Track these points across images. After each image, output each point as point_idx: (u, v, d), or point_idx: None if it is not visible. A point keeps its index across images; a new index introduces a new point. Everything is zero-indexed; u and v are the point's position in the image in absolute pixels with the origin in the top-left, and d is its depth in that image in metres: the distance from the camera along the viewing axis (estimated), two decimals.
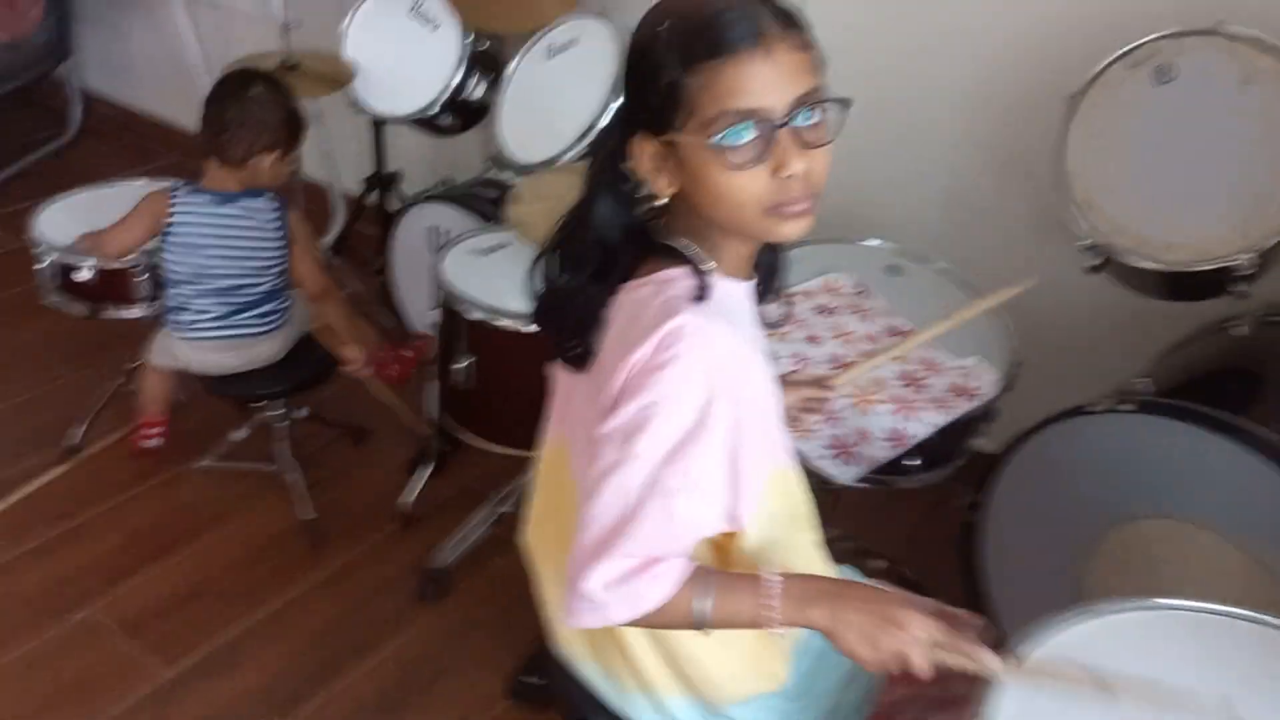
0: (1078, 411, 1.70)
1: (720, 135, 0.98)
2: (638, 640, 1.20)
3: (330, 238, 3.23)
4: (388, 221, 2.83)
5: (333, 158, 3.28)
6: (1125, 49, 1.78)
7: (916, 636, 1.03)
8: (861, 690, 1.30)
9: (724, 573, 1.09)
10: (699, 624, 1.06)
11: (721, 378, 1.02)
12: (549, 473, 1.29)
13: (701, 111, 0.98)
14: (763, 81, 0.98)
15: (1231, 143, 1.73)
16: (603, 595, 1.01)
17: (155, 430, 2.50)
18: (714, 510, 1.06)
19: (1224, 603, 1.20)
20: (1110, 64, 1.79)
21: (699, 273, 1.06)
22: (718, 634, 1.09)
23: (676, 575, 1.04)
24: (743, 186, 1.01)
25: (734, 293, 1.11)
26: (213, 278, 2.21)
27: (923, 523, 2.34)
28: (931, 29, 2.26)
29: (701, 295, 1.05)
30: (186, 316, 2.24)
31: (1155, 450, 1.66)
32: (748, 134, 0.98)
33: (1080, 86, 1.81)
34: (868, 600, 1.06)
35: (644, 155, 1.04)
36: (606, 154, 1.09)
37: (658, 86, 1.00)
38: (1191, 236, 1.73)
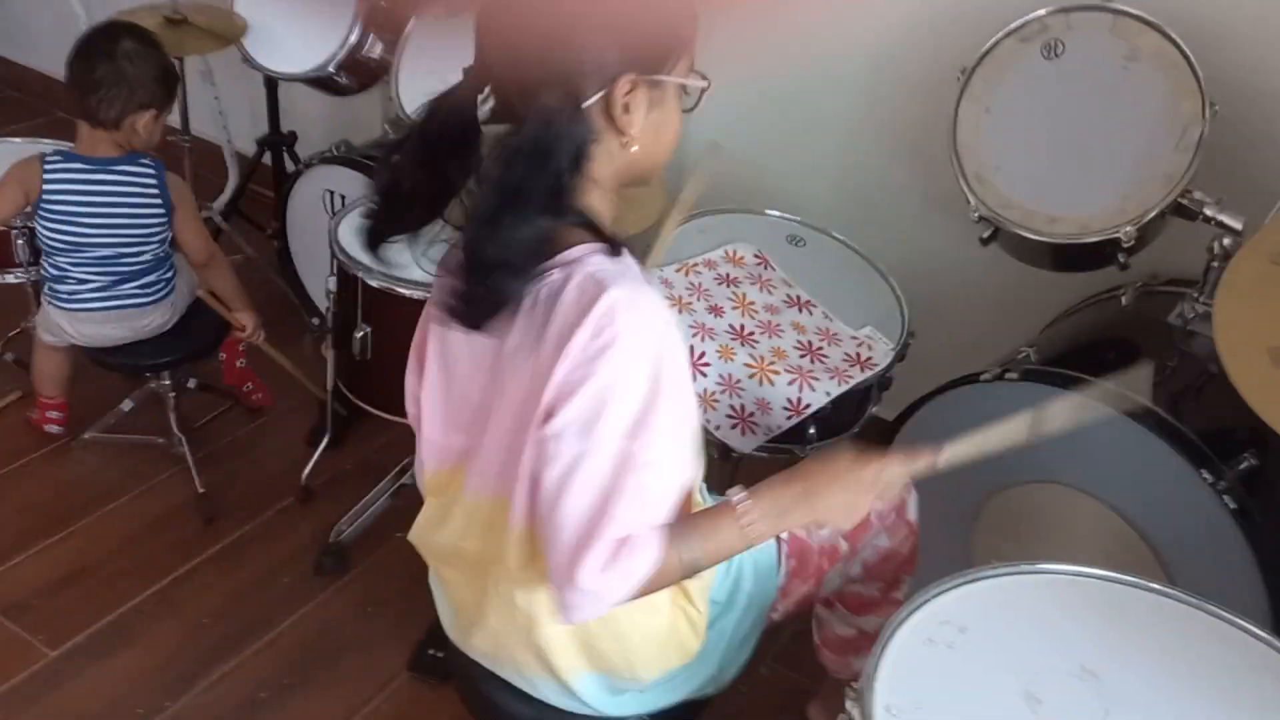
0: (966, 380, 1.74)
1: (698, 78, 1.09)
2: (548, 629, 1.20)
3: (223, 200, 3.13)
4: (283, 183, 2.75)
5: (225, 117, 3.16)
6: (1014, 24, 1.81)
7: (882, 482, 1.16)
8: (754, 619, 1.36)
9: (696, 516, 1.13)
10: (692, 572, 1.09)
11: (662, 342, 1.04)
12: (446, 494, 1.25)
13: (684, 57, 1.08)
14: None
15: (1115, 118, 1.77)
16: (598, 584, 1.02)
17: (55, 414, 2.40)
18: (684, 470, 1.10)
19: (1095, 562, 1.27)
20: (1000, 39, 1.82)
21: (608, 239, 1.06)
22: (634, 621, 1.16)
23: (658, 537, 1.05)
24: (680, 128, 1.12)
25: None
26: (91, 248, 2.11)
27: None
28: (827, 12, 2.27)
29: (617, 257, 1.06)
30: (66, 287, 2.14)
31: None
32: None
33: (971, 62, 1.83)
34: (834, 478, 1.14)
35: (622, 96, 1.03)
36: (569, 94, 1.01)
37: (674, 30, 1.06)
38: (1075, 209, 1.77)
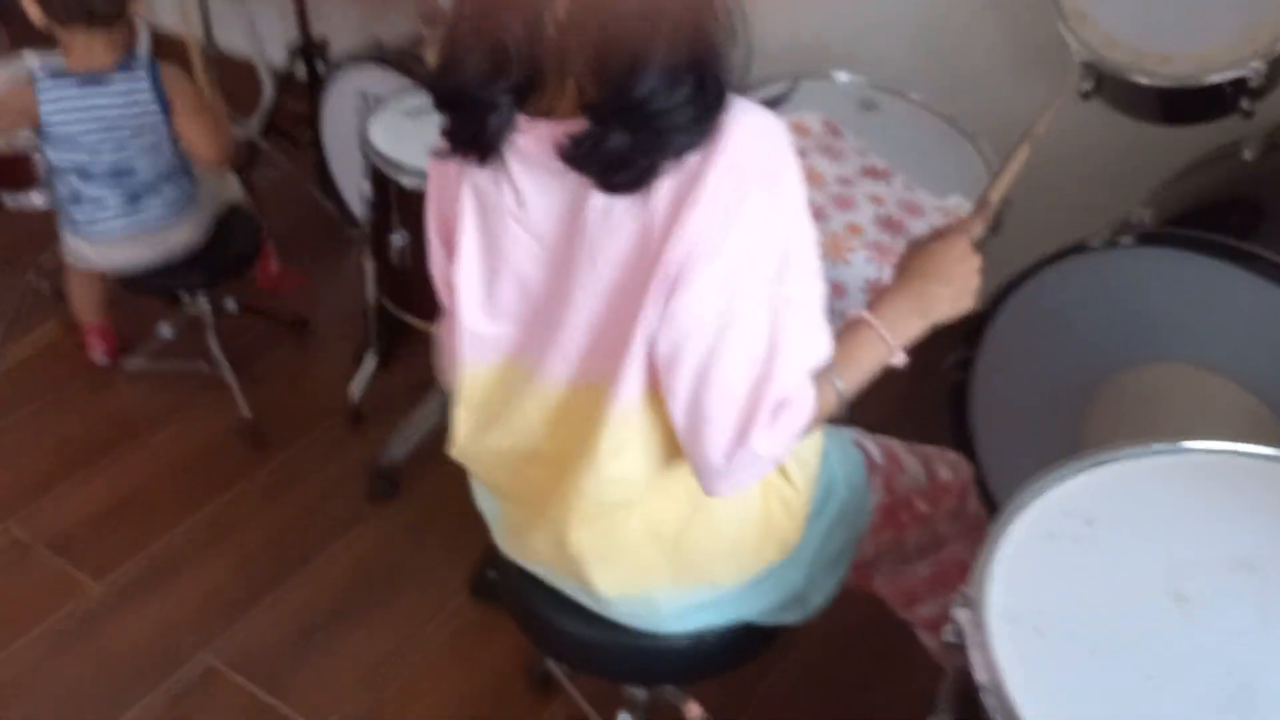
0: (1074, 250, 1.54)
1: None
2: (629, 527, 1.09)
3: (259, 117, 2.99)
4: (317, 94, 2.60)
5: (257, 30, 3.02)
6: None
7: (974, 261, 1.13)
8: (845, 537, 1.23)
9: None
10: (844, 401, 1.04)
11: (794, 163, 0.94)
12: (504, 390, 1.10)
13: None
14: None
15: None
16: (768, 445, 0.96)
17: (100, 342, 2.30)
18: (822, 299, 1.02)
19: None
20: None
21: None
22: (728, 513, 1.09)
23: (811, 378, 0.99)
24: None
25: None
26: (100, 165, 1.98)
27: (915, 382, 2.18)
28: None
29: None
30: (83, 213, 2.02)
31: (1157, 287, 1.52)
32: None
33: None
34: (936, 270, 1.11)
35: None
36: None
37: None
38: (1193, 46, 1.54)
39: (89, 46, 1.93)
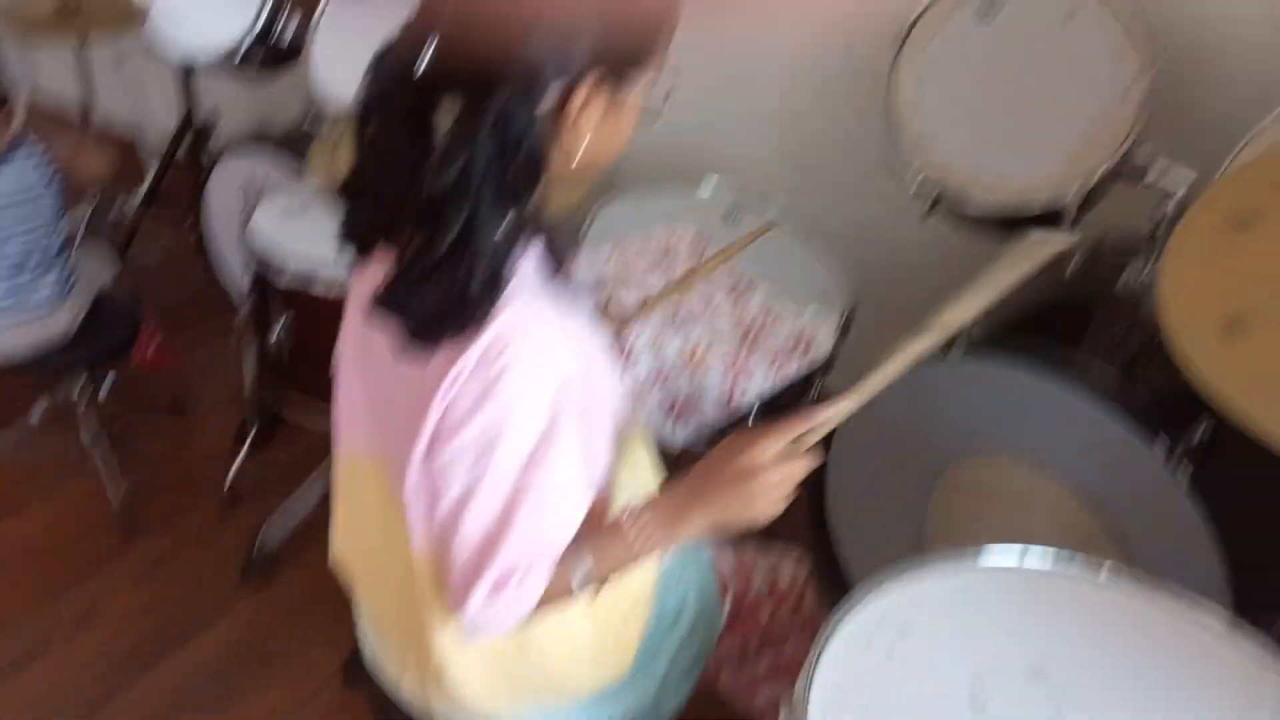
0: None
1: (659, 90, 1.00)
2: (469, 667, 1.13)
3: (141, 192, 2.99)
4: (200, 172, 2.62)
5: (140, 106, 3.03)
6: None
7: (774, 463, 1.02)
8: (699, 647, 1.29)
9: (590, 530, 1.04)
10: (586, 589, 1.02)
11: (560, 368, 0.96)
12: (357, 481, 1.17)
13: (656, 65, 1.00)
14: None
15: (1056, 77, 1.70)
16: (484, 615, 0.98)
17: None
18: (580, 500, 1.02)
19: (1050, 539, 1.20)
20: (933, 2, 1.74)
21: (555, 249, 1.01)
22: (551, 636, 1.09)
23: (547, 564, 1.00)
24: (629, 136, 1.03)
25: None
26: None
27: None
28: None
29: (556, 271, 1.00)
30: None
31: (985, 391, 1.65)
32: None
33: (906, 24, 1.75)
34: (716, 477, 1.03)
35: (579, 103, 0.94)
36: (525, 99, 0.91)
37: (640, 42, 0.97)
38: (1019, 173, 1.71)
39: None
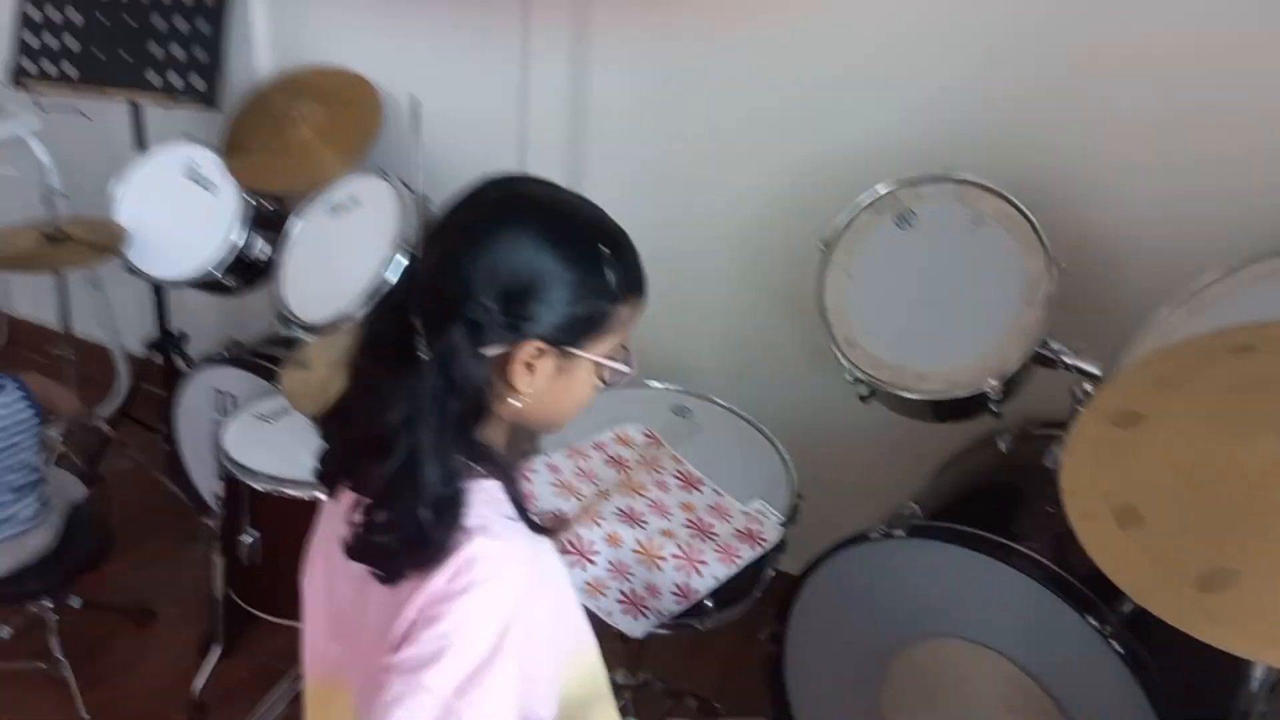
0: (856, 540, 1.76)
1: (621, 360, 1.08)
2: None
3: (113, 406, 3.08)
4: (173, 385, 2.72)
5: (115, 319, 3.15)
6: (870, 198, 1.91)
7: None
8: None
9: None
10: None
11: (519, 598, 0.99)
12: (324, 707, 1.18)
13: (616, 334, 1.06)
14: None
15: (971, 277, 1.86)
16: None
17: None
18: None
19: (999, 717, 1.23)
20: (858, 212, 1.92)
21: (500, 473, 1.04)
22: None
23: None
24: (589, 398, 1.09)
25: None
26: None
27: (734, 654, 2.35)
28: (699, 189, 2.40)
29: (516, 506, 1.04)
30: None
31: (930, 571, 1.72)
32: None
33: (832, 233, 1.93)
34: None
35: (526, 358, 1.00)
36: (471, 341, 0.97)
37: (595, 307, 1.02)
38: (941, 366, 1.84)
39: None
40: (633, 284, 1.06)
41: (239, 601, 2.11)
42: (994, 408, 1.84)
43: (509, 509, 1.04)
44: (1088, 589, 1.56)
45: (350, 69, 2.62)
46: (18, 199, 2.94)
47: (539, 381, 1.02)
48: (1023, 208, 1.81)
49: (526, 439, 1.15)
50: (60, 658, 2.22)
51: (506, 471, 1.04)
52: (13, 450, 2.07)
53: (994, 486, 2.01)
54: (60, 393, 2.22)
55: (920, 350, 1.87)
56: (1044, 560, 1.62)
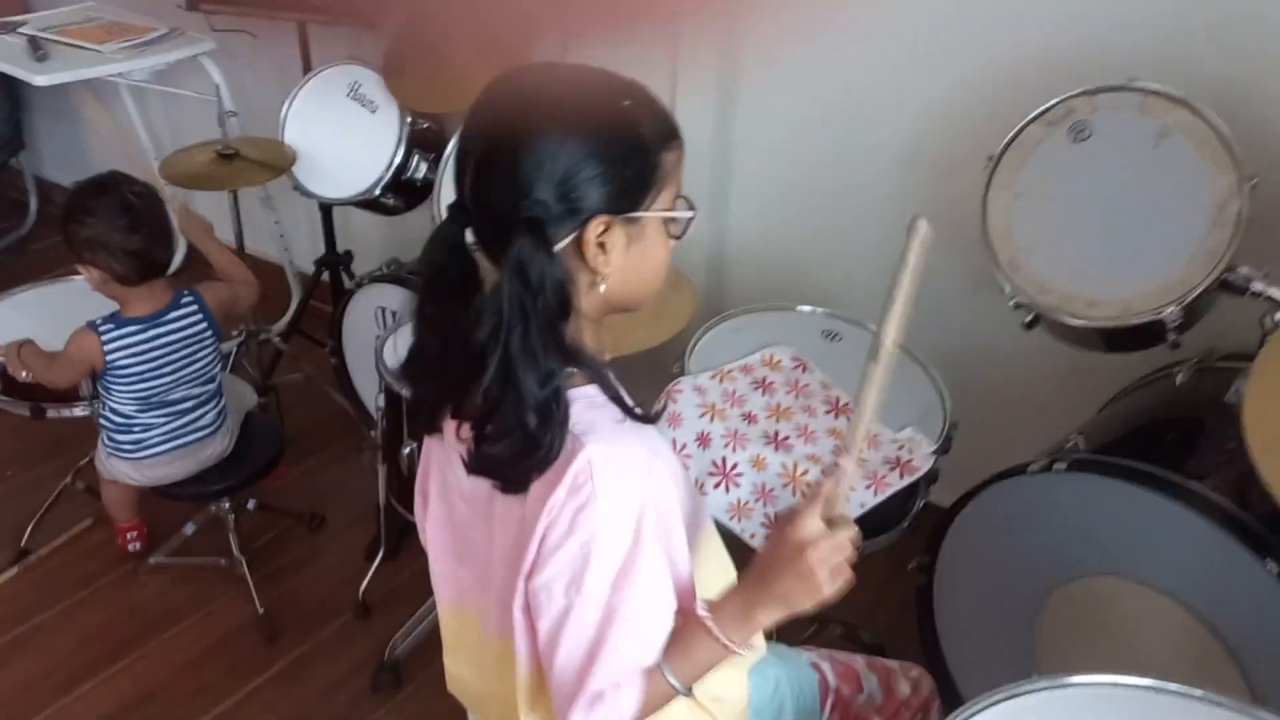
0: (1013, 472, 1.69)
1: (683, 209, 1.06)
2: None
3: (286, 318, 3.23)
4: (339, 302, 2.82)
5: (286, 239, 3.29)
6: (1040, 109, 1.79)
7: (819, 537, 1.04)
8: None
9: (674, 637, 1.09)
10: (685, 690, 1.07)
11: (641, 494, 1.02)
12: (458, 628, 1.26)
13: (667, 188, 1.04)
14: None
15: (1150, 197, 1.73)
16: None
17: (134, 534, 2.48)
18: (668, 613, 1.07)
19: (1165, 661, 1.17)
20: (1026, 124, 1.80)
21: (598, 376, 1.05)
22: None
23: (642, 677, 1.05)
24: (668, 258, 1.09)
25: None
26: (161, 396, 2.17)
27: (884, 581, 2.31)
28: (856, 93, 2.29)
29: (616, 402, 1.05)
30: (129, 437, 2.20)
31: (1094, 507, 1.65)
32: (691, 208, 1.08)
33: (998, 148, 1.82)
34: (773, 562, 1.06)
35: (596, 237, 1.01)
36: (538, 242, 0.98)
37: (640, 164, 1.02)
38: (1115, 291, 1.72)
39: (150, 293, 2.13)
40: (666, 129, 1.04)
41: (400, 510, 2.20)
42: (1172, 338, 1.72)
43: (613, 409, 1.04)
44: (1268, 531, 1.46)
45: None
46: (196, 120, 3.09)
47: (615, 257, 1.02)
48: (1212, 118, 1.66)
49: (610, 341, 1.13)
50: (238, 555, 2.38)
51: (600, 371, 1.05)
52: (191, 360, 2.19)
53: (1167, 421, 1.89)
54: (242, 290, 2.33)
55: (1092, 274, 1.76)
56: (1220, 499, 1.52)
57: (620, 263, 1.03)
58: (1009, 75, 2.06)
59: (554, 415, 0.99)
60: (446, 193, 2.44)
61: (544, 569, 1.02)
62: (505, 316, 0.97)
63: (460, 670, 1.29)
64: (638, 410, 1.07)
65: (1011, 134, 1.81)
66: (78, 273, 2.17)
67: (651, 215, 1.04)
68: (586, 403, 1.04)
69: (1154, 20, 1.92)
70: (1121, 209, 1.75)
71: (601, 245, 1.01)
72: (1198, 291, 1.65)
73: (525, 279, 0.97)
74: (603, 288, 1.04)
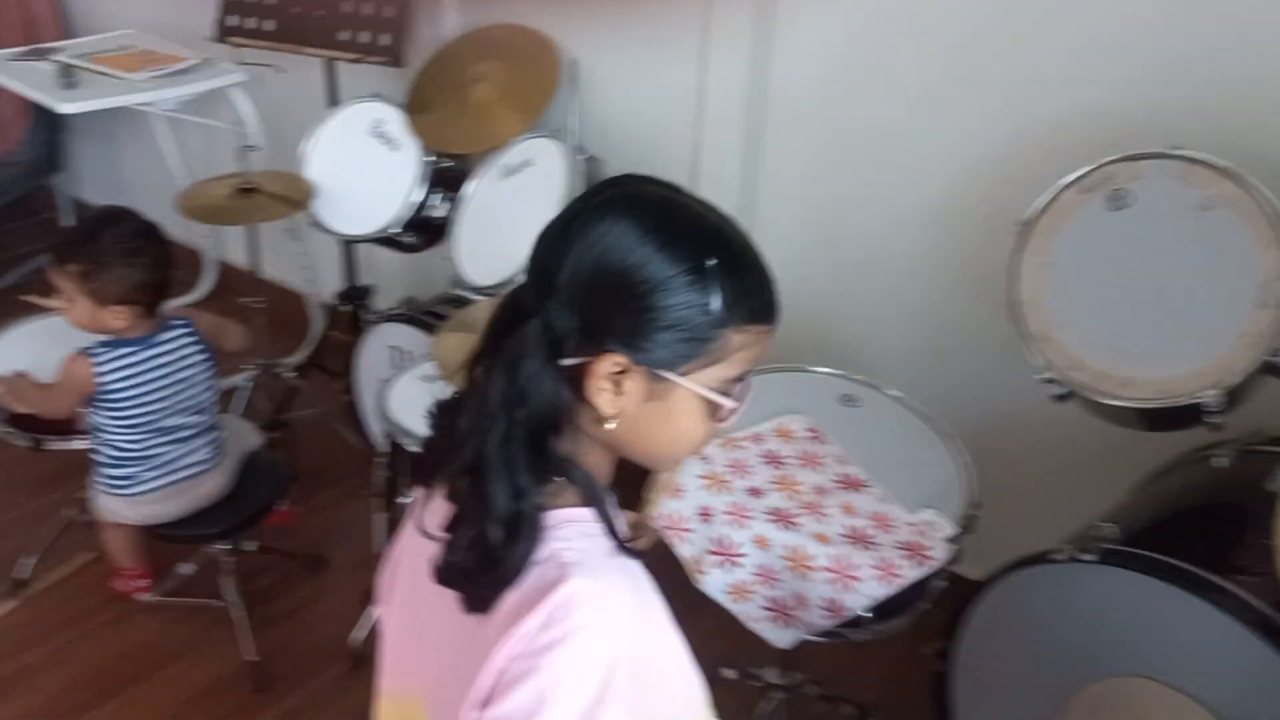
0: (1038, 559, 1.58)
1: (734, 394, 0.94)
2: None
3: (305, 352, 3.19)
4: (358, 336, 2.78)
5: (311, 269, 3.26)
6: (1078, 174, 1.70)
7: None
8: None
9: None
10: None
11: (624, 643, 0.89)
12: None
13: (725, 365, 0.92)
14: None
15: (1192, 272, 1.63)
16: None
17: (141, 581, 2.42)
18: None
19: None
20: (1063, 190, 1.71)
21: (592, 499, 0.93)
22: None
23: None
24: (704, 436, 0.96)
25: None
26: (153, 424, 2.13)
27: (899, 665, 2.20)
28: (888, 158, 2.22)
29: (605, 526, 0.93)
30: (122, 472, 2.15)
31: (1122, 602, 1.54)
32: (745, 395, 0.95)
33: (1032, 213, 1.72)
34: None
35: (608, 374, 0.89)
36: (540, 346, 0.88)
37: (691, 327, 0.89)
38: (1152, 371, 1.62)
39: (145, 318, 2.10)
40: (752, 308, 0.91)
41: None
42: (1212, 420, 1.61)
43: (605, 541, 0.93)
44: None
45: (533, 27, 2.57)
46: (222, 151, 3.06)
47: (627, 405, 0.90)
48: (1261, 192, 1.56)
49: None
50: (233, 599, 2.32)
51: (595, 493, 0.93)
52: (186, 385, 2.15)
53: (1205, 510, 1.77)
54: (233, 330, 2.29)
55: (1127, 351, 1.65)
56: (1258, 603, 1.41)
57: (633, 413, 0.91)
58: (1047, 137, 1.98)
59: (520, 534, 0.88)
60: (462, 233, 2.40)
61: (494, 704, 0.88)
62: (487, 411, 0.88)
63: None
64: (629, 545, 0.95)
65: (1046, 198, 1.72)
66: None
67: (683, 385, 0.91)
68: (580, 529, 0.93)
69: (1200, 88, 1.83)
70: (1160, 283, 1.65)
71: (615, 385, 0.90)
72: (1240, 378, 1.54)
73: (513, 377, 0.88)
74: (610, 426, 0.92)
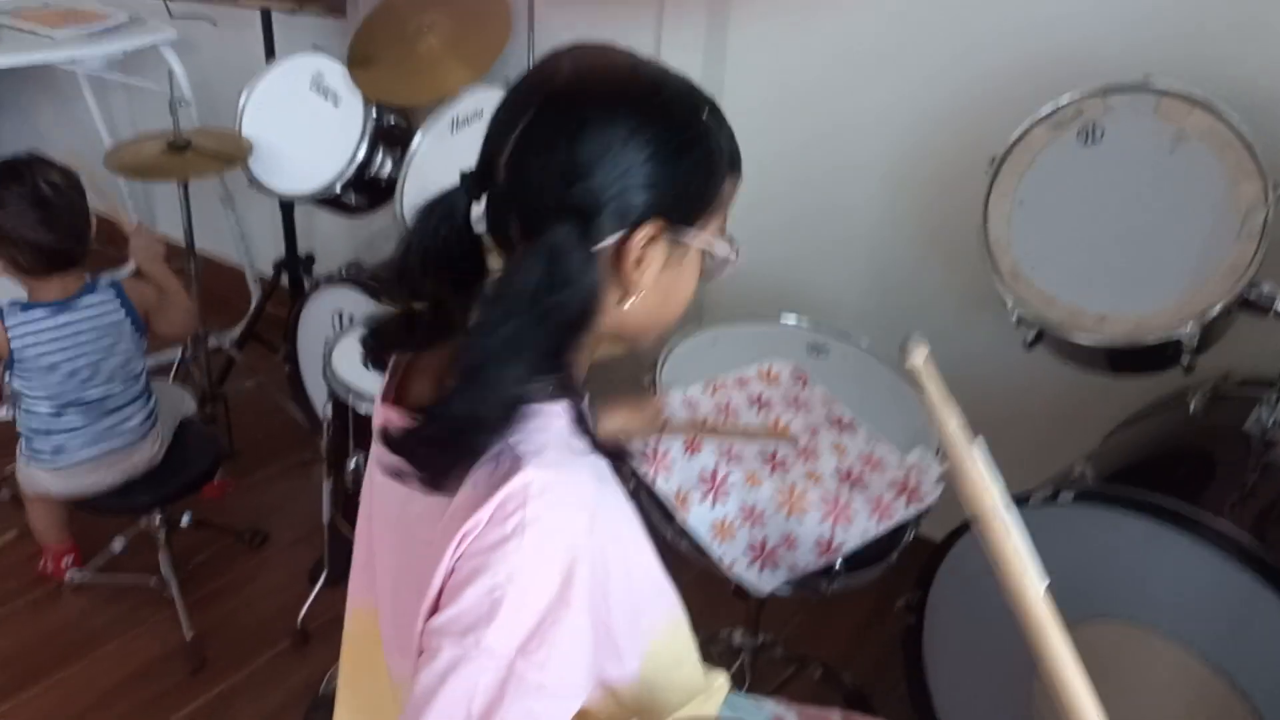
0: (1014, 503, 1.53)
1: (724, 247, 0.94)
2: None
3: (242, 324, 3.06)
4: (296, 305, 2.67)
5: (246, 239, 3.13)
6: (1048, 110, 1.65)
7: None
8: None
9: None
10: None
11: (583, 534, 0.83)
12: (357, 642, 1.09)
13: (716, 218, 0.93)
14: None
15: (1166, 206, 1.59)
16: None
17: (69, 559, 2.28)
18: (579, 699, 0.86)
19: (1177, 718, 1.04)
20: (1032, 126, 1.66)
21: (571, 394, 0.87)
22: None
23: None
24: (692, 296, 0.97)
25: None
26: (72, 390, 2.00)
27: (865, 625, 2.15)
28: (849, 104, 2.16)
29: (581, 426, 0.88)
30: (49, 443, 2.03)
31: (1099, 545, 1.50)
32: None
33: (1001, 151, 1.68)
34: None
35: (640, 246, 0.86)
36: (581, 235, 0.84)
37: (705, 182, 0.91)
38: (1127, 307, 1.58)
39: (61, 282, 1.99)
40: (734, 154, 0.93)
41: (346, 528, 2.03)
42: (1186, 360, 1.57)
43: (573, 437, 0.87)
44: None
45: None
46: (155, 111, 2.93)
47: (648, 275, 0.88)
48: (1235, 121, 1.52)
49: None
50: (168, 575, 2.19)
51: (575, 390, 0.87)
52: (109, 353, 2.03)
53: (1181, 451, 1.74)
54: (177, 311, 2.17)
55: (1101, 288, 1.61)
56: (1241, 536, 1.37)
57: (650, 284, 0.88)
58: (1014, 74, 1.93)
59: (501, 418, 0.83)
60: (409, 191, 2.31)
61: (444, 610, 0.81)
62: (508, 305, 0.82)
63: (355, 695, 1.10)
64: (601, 442, 0.89)
65: (1015, 136, 1.68)
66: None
67: (697, 240, 0.91)
68: (544, 419, 0.86)
69: (1171, 17, 1.79)
70: (1134, 218, 1.61)
71: (640, 258, 0.87)
72: (1217, 309, 1.51)
73: (553, 273, 0.82)
74: (627, 305, 0.89)
